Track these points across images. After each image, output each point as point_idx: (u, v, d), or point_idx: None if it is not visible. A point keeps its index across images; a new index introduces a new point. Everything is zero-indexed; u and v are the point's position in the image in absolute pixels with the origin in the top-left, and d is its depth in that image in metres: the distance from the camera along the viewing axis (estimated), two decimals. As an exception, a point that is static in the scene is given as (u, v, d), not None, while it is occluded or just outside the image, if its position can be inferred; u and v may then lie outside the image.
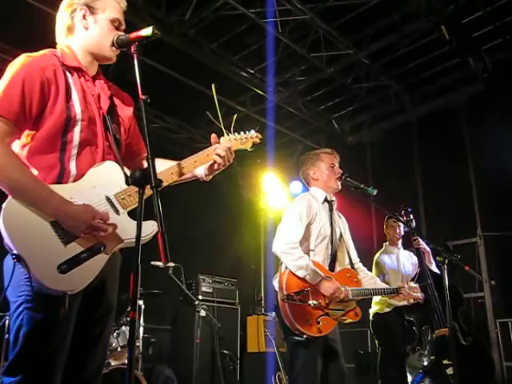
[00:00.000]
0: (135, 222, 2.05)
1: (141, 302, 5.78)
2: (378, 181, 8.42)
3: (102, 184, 2.11)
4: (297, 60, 7.57)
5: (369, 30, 7.02)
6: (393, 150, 8.53)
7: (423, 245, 5.23)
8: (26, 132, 2.09)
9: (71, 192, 2.02)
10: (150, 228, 2.07)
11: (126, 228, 2.08)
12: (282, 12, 6.59)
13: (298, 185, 8.37)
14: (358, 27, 6.98)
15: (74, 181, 2.09)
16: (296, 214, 3.69)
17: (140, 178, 1.79)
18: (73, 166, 2.09)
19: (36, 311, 1.90)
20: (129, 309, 1.69)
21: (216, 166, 2.41)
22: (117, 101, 2.38)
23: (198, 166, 2.37)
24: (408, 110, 8.53)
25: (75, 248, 1.95)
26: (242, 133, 2.56)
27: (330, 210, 3.86)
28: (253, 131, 2.61)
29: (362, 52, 7.26)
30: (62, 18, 2.28)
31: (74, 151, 2.10)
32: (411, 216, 5.19)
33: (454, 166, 7.76)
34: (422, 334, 4.98)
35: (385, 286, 3.83)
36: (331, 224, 3.80)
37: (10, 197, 1.96)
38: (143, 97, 1.94)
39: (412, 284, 3.81)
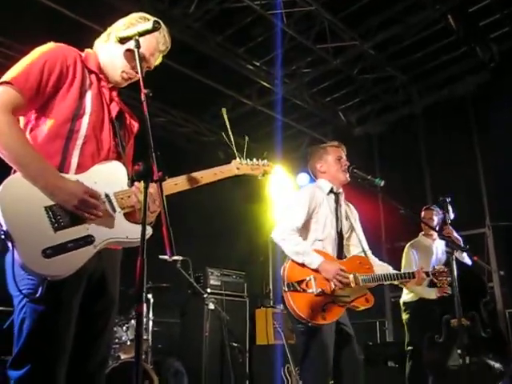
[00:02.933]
0: (130, 224, 2.08)
1: (150, 296, 5.81)
2: (385, 172, 8.41)
3: (104, 181, 2.12)
4: (302, 52, 7.53)
5: (374, 20, 6.96)
6: (400, 140, 8.51)
7: (453, 232, 5.19)
8: (34, 115, 2.13)
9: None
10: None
11: (119, 227, 2.09)
12: (287, 4, 6.57)
13: (305, 177, 8.35)
14: (363, 18, 6.94)
15: (78, 173, 2.10)
16: (297, 203, 3.75)
17: (144, 172, 1.79)
18: (75, 158, 2.11)
19: (38, 303, 1.92)
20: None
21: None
22: (127, 116, 2.45)
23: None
24: (415, 100, 8.48)
25: (64, 236, 1.96)
26: (254, 160, 2.60)
27: (336, 201, 3.87)
28: (266, 160, 2.65)
29: (367, 43, 7.21)
30: (114, 26, 2.34)
31: (80, 141, 2.13)
32: (449, 207, 5.16)
33: (462, 155, 7.73)
34: (443, 324, 5.00)
35: (398, 271, 3.82)
36: (337, 215, 3.81)
37: (11, 175, 2.01)
38: (145, 91, 1.94)
39: (441, 267, 3.80)
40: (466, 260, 5.24)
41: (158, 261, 5.89)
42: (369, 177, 3.71)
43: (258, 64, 7.72)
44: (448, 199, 5.20)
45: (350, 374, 3.53)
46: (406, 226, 6.28)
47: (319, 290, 3.44)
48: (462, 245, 5.15)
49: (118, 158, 2.26)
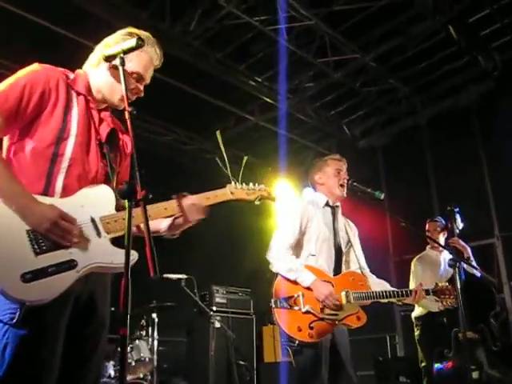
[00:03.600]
0: (116, 249, 2.04)
1: (154, 316, 5.77)
2: (391, 184, 8.36)
3: (91, 205, 2.08)
4: (304, 66, 7.54)
5: (375, 32, 6.97)
6: (405, 152, 8.47)
7: (459, 241, 5.08)
8: (18, 137, 2.11)
9: (57, 205, 1.99)
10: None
11: (103, 252, 2.04)
12: (287, 19, 6.57)
13: (311, 191, 8.29)
14: (363, 30, 6.95)
15: (63, 196, 2.07)
16: (287, 221, 3.72)
17: (127, 191, 1.76)
18: (60, 181, 2.07)
19: (20, 328, 1.88)
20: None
21: (180, 221, 2.31)
22: (121, 136, 2.42)
23: (154, 219, 2.25)
24: (418, 111, 8.45)
25: (46, 260, 1.92)
26: (250, 184, 2.51)
27: (333, 214, 3.82)
28: (262, 185, 2.55)
29: (368, 55, 7.21)
30: (99, 49, 2.32)
31: (65, 164, 2.09)
32: (457, 216, 5.09)
33: (468, 165, 7.66)
34: (452, 337, 4.90)
35: (395, 289, 3.73)
36: (334, 229, 3.75)
37: None
38: (129, 109, 1.92)
39: (444, 284, 3.71)
40: (475, 271, 5.15)
41: (162, 280, 5.86)
42: (369, 190, 3.66)
43: (259, 80, 7.73)
44: (456, 209, 5.12)
45: None
46: (413, 238, 6.19)
47: (306, 307, 3.38)
48: (470, 253, 5.07)
49: (107, 181, 2.22)
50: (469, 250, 5.15)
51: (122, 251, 2.00)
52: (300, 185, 9.04)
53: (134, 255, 1.98)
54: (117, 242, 2.08)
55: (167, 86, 7.28)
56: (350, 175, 3.89)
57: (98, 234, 2.06)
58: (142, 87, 2.32)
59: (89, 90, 2.29)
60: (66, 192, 2.08)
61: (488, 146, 7.60)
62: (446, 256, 5.68)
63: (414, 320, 5.69)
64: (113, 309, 2.21)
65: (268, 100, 7.97)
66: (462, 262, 5.05)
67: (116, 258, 2.04)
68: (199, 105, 7.80)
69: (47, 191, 2.05)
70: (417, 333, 5.63)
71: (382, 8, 6.44)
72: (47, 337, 1.92)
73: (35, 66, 2.17)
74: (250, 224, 8.81)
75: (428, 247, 5.84)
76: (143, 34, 2.30)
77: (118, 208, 2.13)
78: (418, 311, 5.62)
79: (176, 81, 7.31)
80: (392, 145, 8.85)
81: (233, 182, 2.45)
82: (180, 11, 6.45)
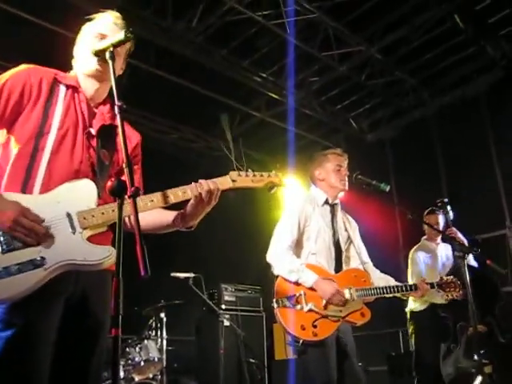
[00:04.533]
0: (90, 245, 1.97)
1: (163, 315, 5.74)
2: (400, 177, 8.28)
3: (68, 200, 2.02)
4: (308, 60, 7.46)
5: (379, 24, 6.88)
6: (414, 144, 8.36)
7: (457, 233, 5.04)
8: (5, 136, 2.10)
9: (30, 203, 1.95)
10: (102, 253, 1.97)
11: (76, 249, 1.97)
12: (289, 12, 6.50)
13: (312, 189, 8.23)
14: (367, 22, 6.85)
15: (43, 192, 2.03)
16: (286, 221, 3.68)
17: (117, 188, 1.71)
18: (39, 177, 2.03)
19: (4, 329, 1.85)
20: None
21: (190, 208, 2.25)
22: (116, 131, 2.31)
23: (171, 203, 2.20)
24: (426, 103, 8.33)
25: (11, 259, 1.87)
26: (257, 172, 2.39)
27: (332, 212, 3.75)
28: (273, 171, 2.42)
29: (374, 47, 7.12)
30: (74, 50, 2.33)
31: (45, 159, 2.05)
32: (448, 208, 5.08)
33: (478, 157, 7.54)
34: (458, 332, 4.81)
35: (399, 283, 3.66)
36: (333, 226, 3.69)
37: None
38: (119, 103, 1.86)
39: (449, 277, 3.65)
40: (472, 262, 5.04)
41: (170, 279, 5.83)
42: (374, 182, 3.60)
43: (264, 75, 7.67)
44: (446, 200, 5.06)
45: None
46: (423, 232, 6.10)
47: (309, 305, 3.34)
48: (467, 246, 4.99)
49: (93, 174, 2.16)
50: (466, 242, 5.09)
51: (98, 248, 1.96)
52: (309, 181, 8.98)
53: (111, 252, 1.93)
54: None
55: (171, 83, 7.25)
56: (359, 169, 3.81)
57: (73, 229, 1.99)
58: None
59: (77, 82, 2.26)
60: (47, 187, 2.03)
61: (498, 137, 7.47)
62: (442, 249, 5.61)
63: (410, 314, 5.53)
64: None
65: (274, 96, 7.91)
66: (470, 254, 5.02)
67: (90, 255, 1.97)
68: (204, 102, 7.76)
69: (25, 188, 2.02)
70: (415, 327, 5.49)
71: (385, -2, 6.36)
72: (31, 337, 1.88)
73: (20, 67, 2.17)
74: (259, 221, 8.75)
75: (423, 239, 5.75)
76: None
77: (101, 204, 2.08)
78: (415, 304, 5.46)
79: (180, 78, 7.28)
80: (400, 138, 8.75)
81: (236, 169, 2.36)
82: (182, 8, 6.40)
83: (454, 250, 4.99)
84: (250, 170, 2.39)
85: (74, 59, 2.33)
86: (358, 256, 3.73)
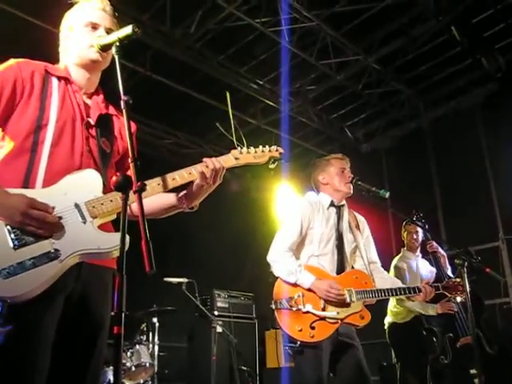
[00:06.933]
0: (103, 233, 1.94)
1: (155, 320, 5.69)
2: (394, 187, 8.25)
3: (75, 191, 1.99)
4: (306, 68, 7.48)
5: (377, 34, 6.92)
6: (408, 155, 8.38)
7: (438, 248, 5.05)
8: (1, 133, 2.06)
9: (36, 197, 1.91)
10: (116, 240, 1.88)
11: (89, 238, 1.94)
12: (288, 20, 6.52)
13: (314, 195, 8.22)
14: (365, 32, 6.89)
15: (46, 186, 1.99)
16: (289, 223, 3.69)
17: (122, 183, 1.68)
18: (41, 171, 2.00)
19: (4, 325, 1.80)
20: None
21: (195, 188, 2.24)
22: (117, 121, 2.35)
23: (178, 184, 2.20)
24: (422, 114, 8.38)
25: (25, 254, 1.83)
26: (260, 147, 2.40)
27: (338, 214, 3.74)
28: (274, 146, 2.44)
29: (371, 57, 7.15)
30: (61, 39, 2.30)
31: (46, 152, 2.02)
32: (422, 221, 5.06)
33: (472, 168, 7.57)
34: (445, 343, 4.79)
35: (402, 286, 3.64)
36: (338, 229, 3.68)
37: None
38: (125, 98, 1.84)
39: (456, 279, 3.64)
40: (450, 273, 5.01)
41: (163, 284, 5.79)
42: (373, 188, 3.59)
43: (261, 83, 7.68)
44: (421, 214, 5.06)
45: None
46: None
47: (307, 307, 3.34)
48: (468, 254, 4.96)
49: (95, 163, 2.14)
50: (446, 256, 5.09)
51: (110, 235, 1.93)
52: (302, 188, 8.98)
53: (126, 239, 1.90)
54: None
55: (168, 88, 7.24)
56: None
57: (83, 219, 1.96)
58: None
59: (68, 73, 2.23)
60: (49, 181, 2.00)
61: (492, 148, 7.52)
62: (419, 262, 5.51)
63: (390, 327, 5.37)
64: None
65: (270, 103, 7.91)
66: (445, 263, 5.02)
67: (102, 242, 1.94)
68: (200, 108, 7.75)
69: (27, 183, 1.98)
70: (398, 339, 5.32)
71: (383, 9, 6.40)
72: (30, 336, 1.83)
73: (9, 62, 2.12)
74: (253, 228, 8.75)
75: (403, 249, 5.67)
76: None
77: (107, 192, 2.04)
78: (397, 317, 5.30)
79: (176, 84, 7.27)
80: (395, 148, 8.78)
81: (238, 148, 2.36)
82: (180, 13, 6.40)
83: (436, 261, 5.03)
84: (251, 147, 2.40)
85: (61, 49, 2.30)
86: (366, 256, 3.70)
